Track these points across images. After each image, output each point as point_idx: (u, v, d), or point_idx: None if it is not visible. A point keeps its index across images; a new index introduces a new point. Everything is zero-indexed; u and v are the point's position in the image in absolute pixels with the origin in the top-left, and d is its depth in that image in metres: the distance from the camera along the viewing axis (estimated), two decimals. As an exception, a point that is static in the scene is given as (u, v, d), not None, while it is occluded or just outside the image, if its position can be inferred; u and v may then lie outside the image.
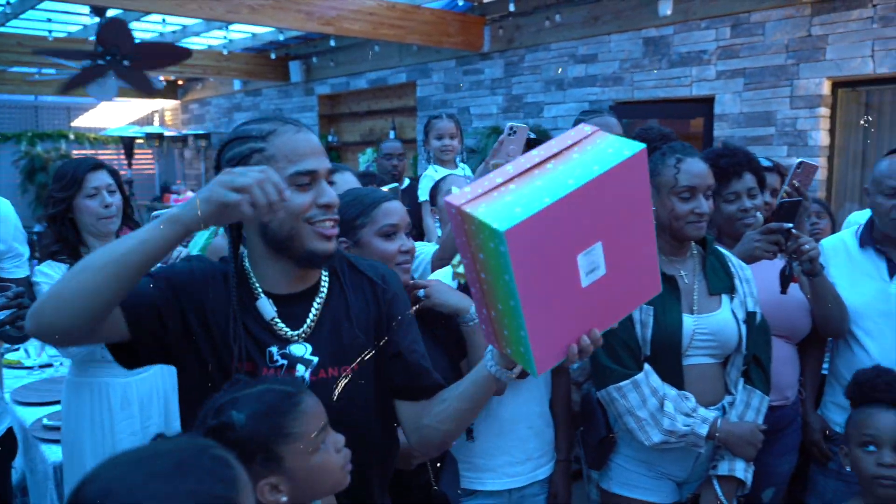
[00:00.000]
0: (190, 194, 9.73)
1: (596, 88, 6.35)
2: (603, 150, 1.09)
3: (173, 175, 12.00)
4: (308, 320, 1.36)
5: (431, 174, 3.58)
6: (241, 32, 8.17)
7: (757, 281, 2.17)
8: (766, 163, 2.54)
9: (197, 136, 11.01)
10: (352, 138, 9.03)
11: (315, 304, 1.37)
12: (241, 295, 1.32)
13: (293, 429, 1.18)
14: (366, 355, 1.39)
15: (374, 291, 1.44)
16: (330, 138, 9.09)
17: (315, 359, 1.33)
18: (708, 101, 5.75)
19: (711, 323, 1.96)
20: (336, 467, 1.23)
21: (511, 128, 2.21)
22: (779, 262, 2.26)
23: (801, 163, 2.35)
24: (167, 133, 11.33)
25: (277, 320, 1.33)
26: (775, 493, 2.35)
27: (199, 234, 4.23)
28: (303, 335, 1.35)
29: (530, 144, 2.12)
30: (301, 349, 1.33)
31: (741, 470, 1.95)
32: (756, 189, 2.34)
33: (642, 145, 1.09)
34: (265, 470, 1.16)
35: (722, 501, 1.94)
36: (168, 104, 11.96)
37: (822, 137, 5.21)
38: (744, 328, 1.98)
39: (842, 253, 2.38)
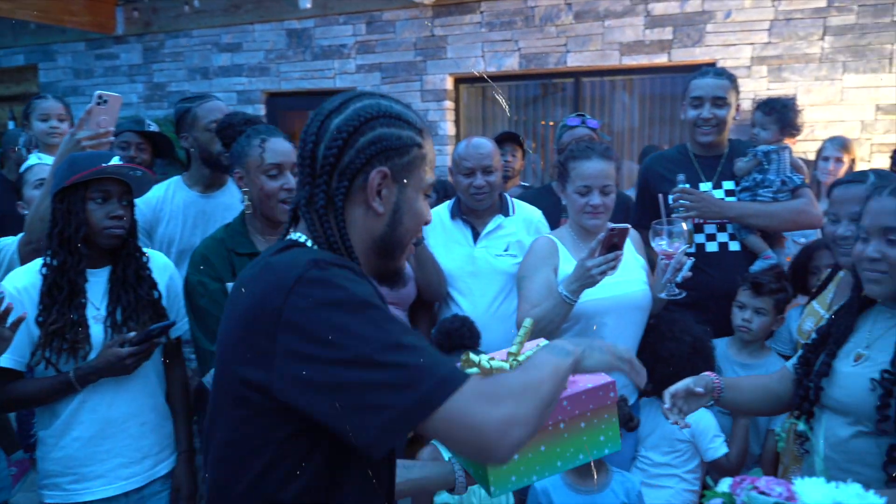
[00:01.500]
0: None
1: (243, 78, 6.27)
2: (596, 436, 1.34)
3: None
4: None
5: (35, 162, 3.17)
6: None
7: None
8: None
9: None
10: (-40, 129, 7.64)
11: None
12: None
13: None
14: None
15: None
16: (-70, 129, 7.57)
17: None
18: (351, 93, 6.04)
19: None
20: None
21: (100, 96, 2.09)
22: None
23: None
24: None
25: None
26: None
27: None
28: None
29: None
30: None
31: None
32: None
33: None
34: None
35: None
36: None
37: (448, 128, 5.83)
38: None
39: (438, 225, 2.69)
